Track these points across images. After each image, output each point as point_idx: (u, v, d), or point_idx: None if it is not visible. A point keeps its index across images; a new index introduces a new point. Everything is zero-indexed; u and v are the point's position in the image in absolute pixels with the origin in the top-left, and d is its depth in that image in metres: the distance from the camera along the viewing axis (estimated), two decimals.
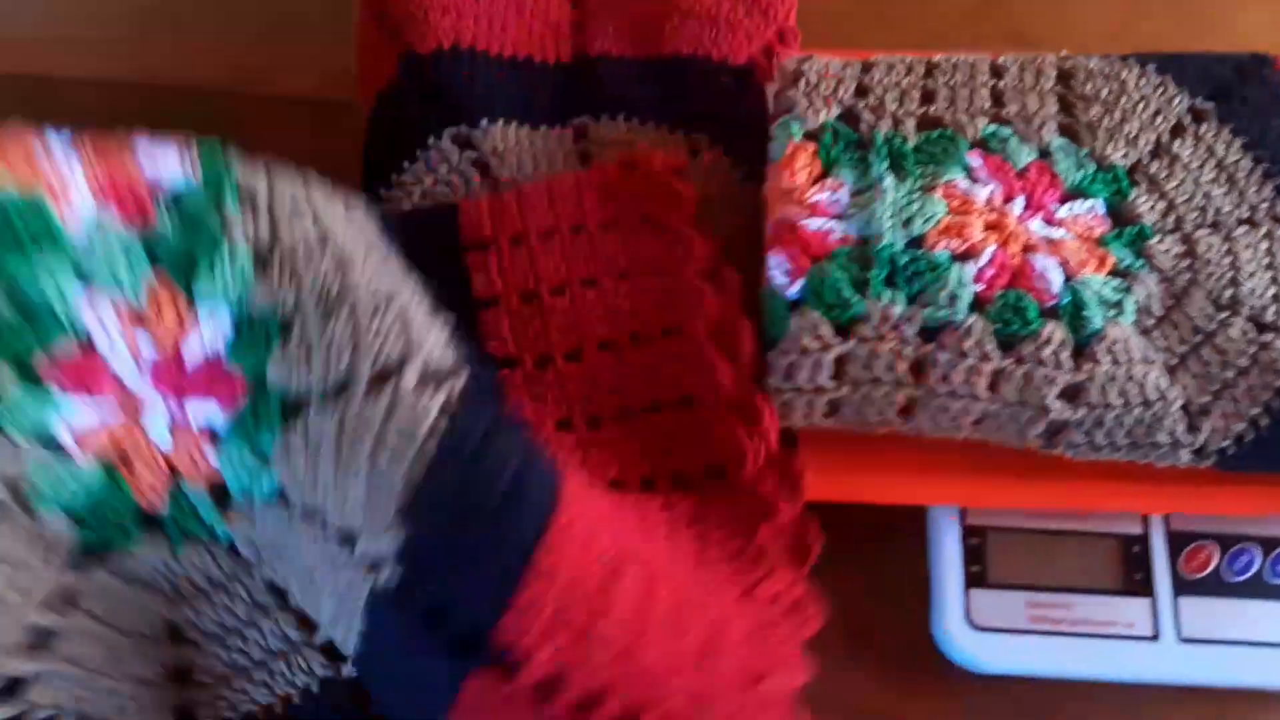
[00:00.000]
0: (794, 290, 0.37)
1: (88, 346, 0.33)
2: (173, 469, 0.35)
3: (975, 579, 0.39)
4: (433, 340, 0.34)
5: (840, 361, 0.36)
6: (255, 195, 0.35)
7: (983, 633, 0.39)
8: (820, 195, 0.38)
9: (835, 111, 0.39)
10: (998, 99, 0.40)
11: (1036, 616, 0.39)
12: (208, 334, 0.34)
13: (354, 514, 0.32)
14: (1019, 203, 0.38)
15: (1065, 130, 0.39)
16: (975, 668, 0.39)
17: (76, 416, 0.34)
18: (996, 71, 0.41)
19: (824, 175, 0.38)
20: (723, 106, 0.45)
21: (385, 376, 0.33)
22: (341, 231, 0.35)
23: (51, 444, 0.34)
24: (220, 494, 0.35)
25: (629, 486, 0.39)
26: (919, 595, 0.41)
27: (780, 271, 0.37)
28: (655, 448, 0.39)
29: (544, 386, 0.40)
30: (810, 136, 0.39)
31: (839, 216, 0.38)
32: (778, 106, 0.40)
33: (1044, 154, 0.39)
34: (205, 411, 0.34)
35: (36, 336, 0.33)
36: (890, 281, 0.36)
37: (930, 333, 0.36)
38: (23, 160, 0.33)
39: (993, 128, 0.39)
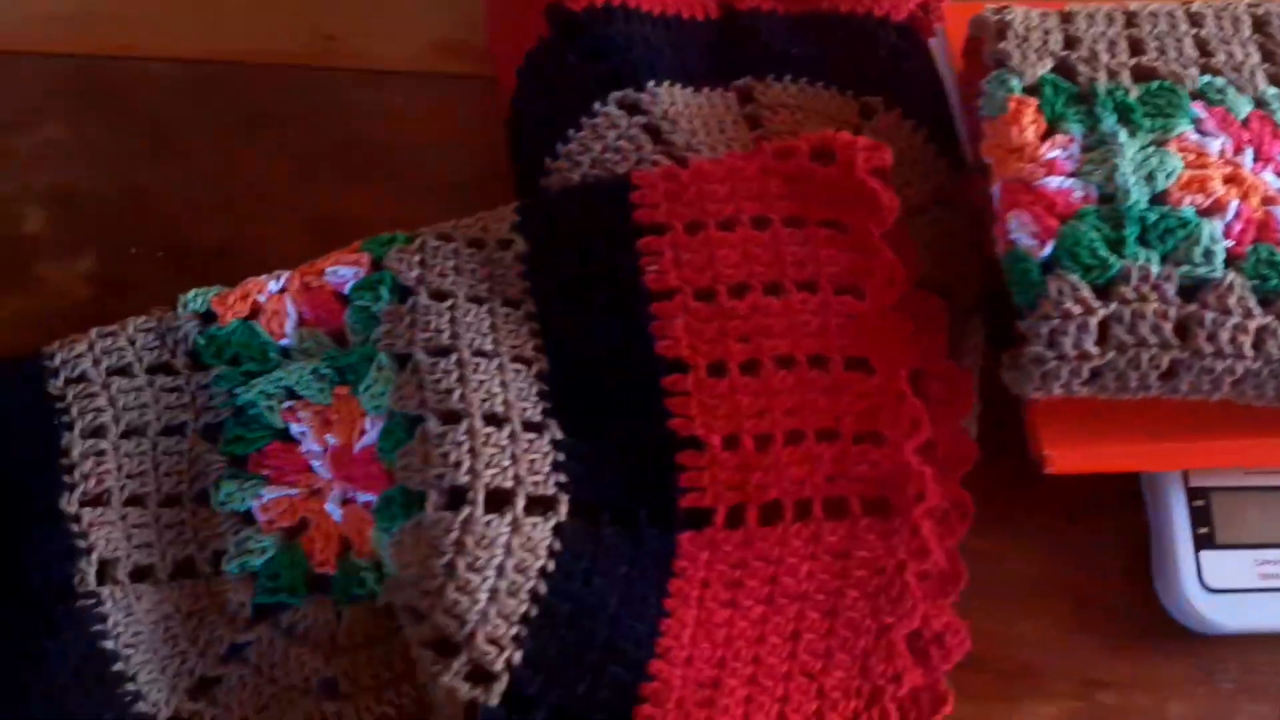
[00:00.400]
0: (1045, 252, 0.35)
1: (289, 444, 0.39)
2: (344, 539, 0.39)
3: (1204, 541, 0.39)
4: (537, 464, 0.36)
5: (1103, 326, 0.34)
6: (405, 292, 0.39)
7: (1217, 594, 0.38)
8: (1054, 152, 0.36)
9: (1049, 64, 0.37)
10: (1203, 48, 0.39)
11: (1267, 574, 0.38)
12: (371, 431, 0.38)
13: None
14: (1248, 154, 0.37)
15: (1273, 79, 0.38)
16: (1210, 630, 0.38)
17: (271, 497, 0.39)
18: (1194, 19, 0.39)
19: (1050, 131, 0.36)
20: (891, 65, 0.42)
21: (499, 496, 0.36)
22: (470, 334, 0.38)
23: (248, 518, 0.39)
24: (381, 563, 0.38)
25: (784, 511, 0.37)
26: (1133, 559, 0.40)
27: (1025, 233, 0.35)
28: (821, 475, 0.37)
29: (716, 398, 0.37)
30: (1028, 91, 0.37)
31: (1074, 174, 0.36)
32: (987, 60, 0.37)
33: (1259, 104, 0.38)
34: (367, 495, 0.39)
35: (251, 440, 0.39)
36: (1143, 240, 0.35)
37: (1188, 292, 0.34)
38: (242, 299, 0.39)
39: (1207, 78, 0.38)
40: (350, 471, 0.38)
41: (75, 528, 0.36)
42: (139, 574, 0.37)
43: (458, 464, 0.34)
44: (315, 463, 0.38)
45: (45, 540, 0.36)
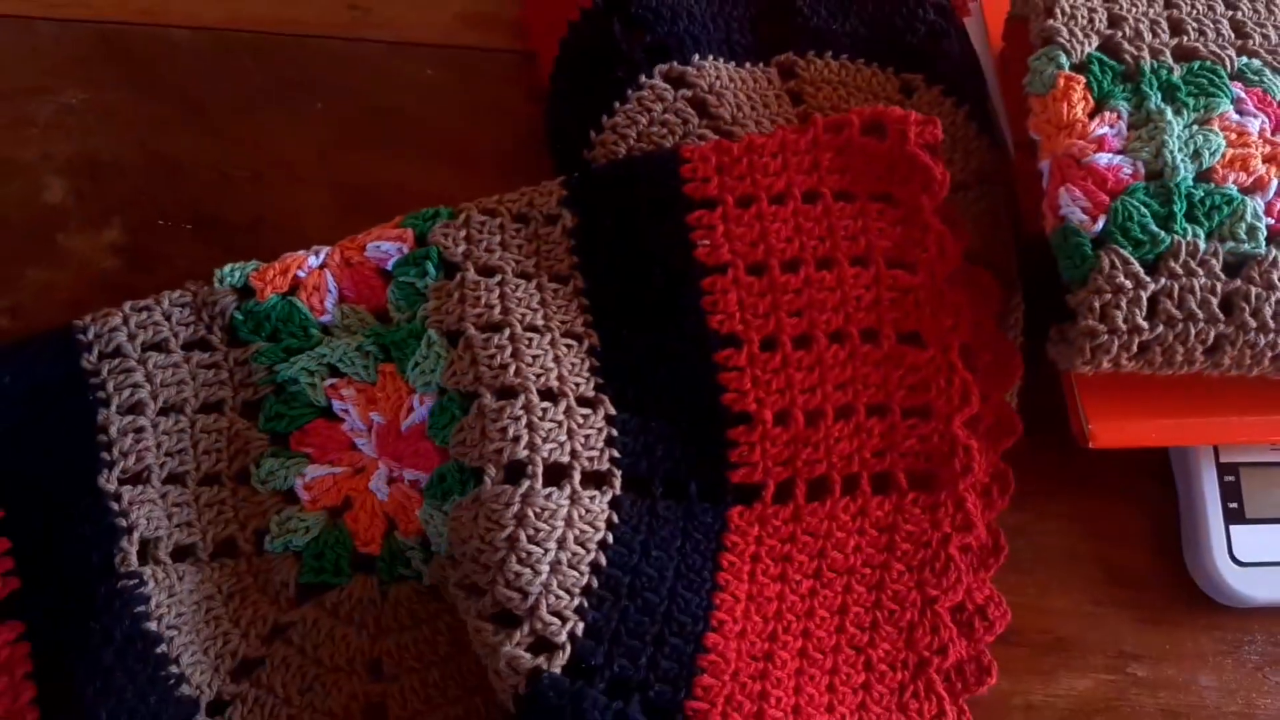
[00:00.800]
0: (1097, 228, 0.35)
1: (332, 422, 0.39)
2: (389, 518, 0.39)
3: (1233, 515, 0.40)
4: (592, 440, 0.36)
5: (1152, 301, 0.35)
6: (452, 268, 0.39)
7: (1246, 568, 0.39)
8: (1103, 129, 0.36)
9: (1095, 42, 0.38)
10: (1239, 30, 0.39)
11: None
12: (419, 409, 0.38)
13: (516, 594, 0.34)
14: None
15: None
16: (1239, 602, 0.40)
17: (315, 475, 0.38)
18: (1229, 3, 0.40)
19: (1098, 108, 0.37)
20: (930, 43, 0.42)
21: (556, 470, 0.36)
22: (520, 309, 0.37)
23: (290, 496, 0.39)
24: (427, 543, 0.38)
25: (832, 486, 0.37)
26: (1163, 534, 0.41)
27: (1077, 209, 0.35)
28: (869, 450, 0.37)
29: (769, 373, 0.37)
30: (1076, 69, 0.37)
31: (1122, 151, 0.36)
32: (1033, 37, 0.38)
33: None
34: (414, 473, 0.39)
35: (293, 418, 0.39)
36: (1190, 216, 0.35)
37: (1231, 268, 0.35)
38: (282, 274, 0.39)
39: (1245, 59, 0.38)
40: (397, 450, 0.37)
41: (115, 506, 0.35)
42: (180, 553, 0.36)
43: (516, 438, 0.34)
44: (359, 441, 0.38)
45: (85, 519, 0.35)
